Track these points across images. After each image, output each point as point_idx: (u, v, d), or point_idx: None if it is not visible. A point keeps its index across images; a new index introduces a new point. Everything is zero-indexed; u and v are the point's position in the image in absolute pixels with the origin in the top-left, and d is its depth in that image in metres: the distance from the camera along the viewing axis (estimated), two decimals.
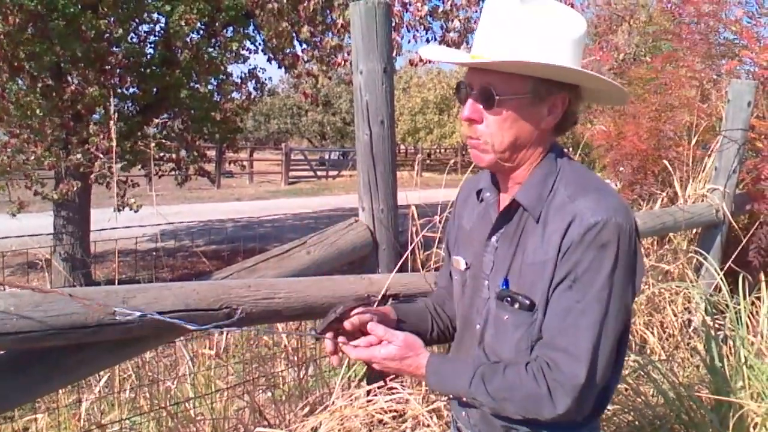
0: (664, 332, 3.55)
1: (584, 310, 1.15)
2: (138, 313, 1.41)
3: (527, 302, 1.22)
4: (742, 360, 2.65)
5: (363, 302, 1.43)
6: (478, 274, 1.34)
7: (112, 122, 3.87)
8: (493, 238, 1.31)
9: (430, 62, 7.34)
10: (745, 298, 3.04)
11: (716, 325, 3.05)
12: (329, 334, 1.35)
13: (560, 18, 1.20)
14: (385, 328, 1.33)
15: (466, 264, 1.38)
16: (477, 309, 1.35)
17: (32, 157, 6.47)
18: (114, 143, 3.58)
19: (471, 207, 1.44)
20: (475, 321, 1.35)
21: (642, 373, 2.85)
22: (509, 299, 1.24)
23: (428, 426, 2.07)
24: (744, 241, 3.88)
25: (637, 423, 2.56)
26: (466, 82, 1.24)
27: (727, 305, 3.07)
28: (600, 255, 1.14)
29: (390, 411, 2.11)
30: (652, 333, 3.45)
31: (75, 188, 6.57)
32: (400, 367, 1.31)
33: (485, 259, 1.32)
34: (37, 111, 6.24)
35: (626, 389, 2.76)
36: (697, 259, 3.85)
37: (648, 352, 3.36)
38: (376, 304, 1.92)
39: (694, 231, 4.10)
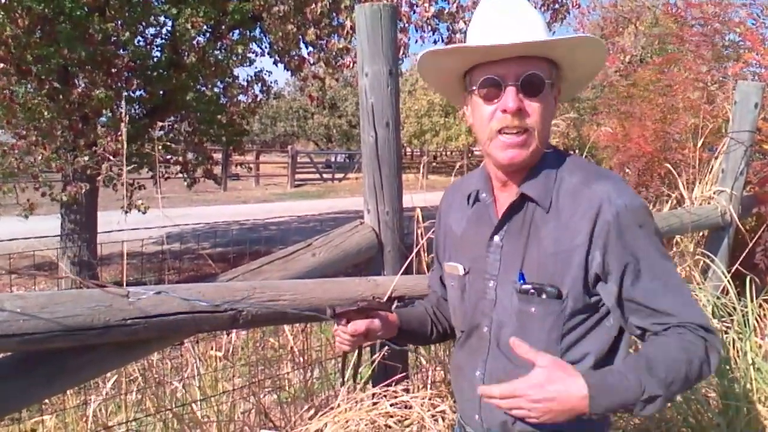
0: None
1: (666, 282, 1.21)
2: (153, 291, 1.43)
3: (555, 291, 1.23)
4: (750, 363, 2.63)
5: (384, 307, 1.47)
6: (481, 276, 1.34)
7: (123, 125, 3.87)
8: (496, 238, 1.31)
9: None
10: (752, 300, 3.03)
11: (723, 328, 3.04)
12: (343, 321, 1.39)
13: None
14: (528, 347, 1.15)
15: (465, 269, 1.38)
16: (482, 311, 1.34)
17: (40, 159, 6.50)
18: (123, 145, 3.58)
19: (458, 211, 1.44)
20: (482, 324, 1.35)
21: None
22: (534, 291, 1.25)
23: (432, 430, 2.07)
24: (751, 244, 3.85)
25: (644, 426, 2.55)
26: (497, 75, 1.22)
27: (734, 308, 3.05)
28: (644, 232, 1.21)
29: (394, 415, 2.10)
30: None
31: (83, 190, 6.60)
32: (549, 396, 1.09)
33: (489, 260, 1.32)
34: (45, 113, 6.27)
35: None
36: (704, 262, 3.83)
37: None
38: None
39: (701, 233, 4.08)
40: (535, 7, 1.36)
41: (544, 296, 1.24)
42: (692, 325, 1.19)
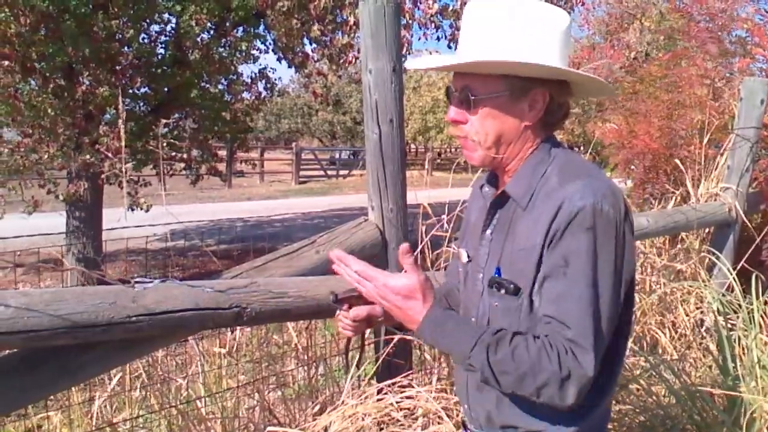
0: (676, 332, 3.52)
1: (581, 296, 1.15)
2: (158, 280, 1.43)
3: (512, 287, 1.23)
4: (755, 360, 2.62)
5: None
6: (475, 267, 1.37)
7: (120, 121, 3.89)
8: (488, 231, 1.34)
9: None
10: (758, 297, 3.01)
11: (729, 325, 3.03)
12: (345, 306, 1.39)
13: (538, 16, 1.23)
14: (413, 263, 1.26)
15: (468, 257, 1.41)
16: (472, 301, 1.37)
17: (45, 157, 6.52)
18: (123, 143, 3.60)
19: (475, 201, 1.48)
20: (470, 313, 1.37)
21: (654, 373, 2.83)
22: (498, 285, 1.26)
23: (439, 423, 2.07)
24: (757, 241, 3.84)
25: (648, 423, 2.55)
26: (452, 85, 1.29)
27: (739, 305, 3.04)
28: (588, 238, 1.14)
29: (401, 409, 2.11)
30: (664, 333, 3.43)
31: (83, 188, 6.62)
32: (399, 305, 1.24)
33: (481, 252, 1.34)
34: (49, 111, 6.28)
35: (638, 389, 2.74)
36: (710, 259, 3.82)
37: (660, 351, 3.34)
38: None
39: (707, 230, 4.07)
40: None
41: (503, 291, 1.25)
42: (572, 359, 1.13)
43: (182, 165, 7.69)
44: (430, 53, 6.57)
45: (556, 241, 1.17)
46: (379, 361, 2.29)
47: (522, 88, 1.24)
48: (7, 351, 1.46)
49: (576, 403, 1.14)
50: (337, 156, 27.24)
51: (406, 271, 1.25)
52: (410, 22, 6.51)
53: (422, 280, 1.24)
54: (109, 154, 6.11)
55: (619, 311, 1.21)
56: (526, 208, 1.25)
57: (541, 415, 1.27)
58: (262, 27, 7.62)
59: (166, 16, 7.12)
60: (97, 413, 2.68)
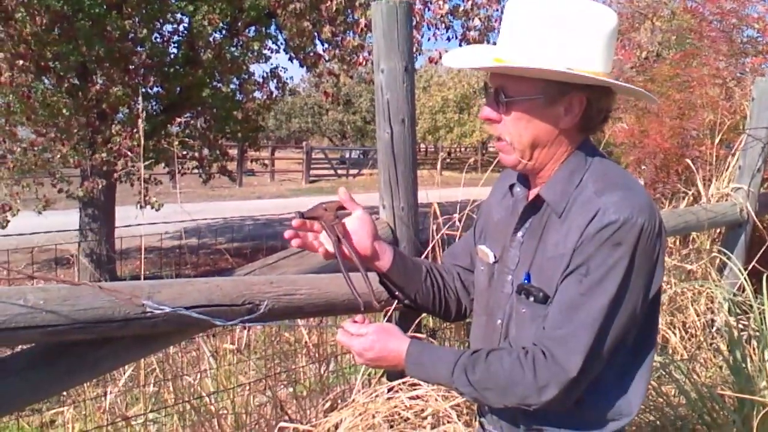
0: (687, 332, 3.52)
1: (590, 305, 1.15)
2: (168, 308, 1.45)
3: (540, 295, 1.23)
4: (766, 360, 2.62)
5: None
6: (503, 269, 1.34)
7: (140, 121, 3.92)
8: (519, 234, 1.31)
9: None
10: None
11: (740, 326, 3.02)
12: (316, 225, 1.51)
13: (584, 16, 1.18)
14: (359, 324, 1.34)
15: (495, 257, 1.38)
16: (499, 304, 1.35)
17: (58, 156, 6.58)
18: (141, 142, 3.64)
19: (501, 198, 1.44)
20: (496, 315, 1.35)
21: (664, 373, 2.83)
22: (526, 292, 1.25)
23: (450, 422, 2.08)
24: None
25: (658, 423, 2.55)
26: (491, 84, 1.25)
27: (750, 305, 3.04)
28: (614, 253, 1.14)
29: (411, 407, 2.12)
30: (674, 333, 3.42)
31: (100, 186, 6.67)
32: (380, 356, 1.30)
33: (511, 254, 1.32)
34: (63, 110, 6.35)
35: (648, 389, 2.74)
36: (721, 259, 3.81)
37: (670, 351, 3.34)
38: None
39: (718, 230, 4.06)
40: None
41: (531, 299, 1.24)
42: (553, 363, 1.17)
43: (194, 164, 7.74)
44: (440, 54, 6.58)
45: (583, 246, 1.16)
46: None
47: (558, 92, 1.19)
48: (22, 347, 1.48)
49: (558, 398, 1.17)
50: (347, 155, 27.25)
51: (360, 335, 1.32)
52: (420, 22, 6.51)
53: (378, 326, 1.33)
54: (130, 153, 6.17)
55: (631, 326, 1.20)
56: (561, 215, 1.22)
57: (567, 421, 1.27)
58: (273, 27, 7.66)
59: (178, 16, 7.18)
60: (110, 408, 2.71)
